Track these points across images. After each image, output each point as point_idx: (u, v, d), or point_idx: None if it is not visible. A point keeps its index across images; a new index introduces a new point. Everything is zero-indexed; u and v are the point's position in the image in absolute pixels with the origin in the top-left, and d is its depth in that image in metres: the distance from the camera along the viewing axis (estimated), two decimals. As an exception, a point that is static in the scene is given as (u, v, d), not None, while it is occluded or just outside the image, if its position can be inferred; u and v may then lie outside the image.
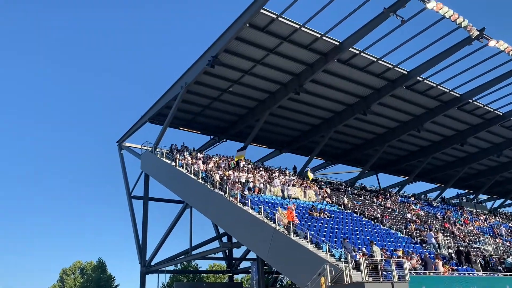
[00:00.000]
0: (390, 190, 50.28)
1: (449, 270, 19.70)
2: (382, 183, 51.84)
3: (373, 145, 44.52)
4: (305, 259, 18.99)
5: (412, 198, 47.50)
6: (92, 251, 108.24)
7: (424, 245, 26.47)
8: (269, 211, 23.55)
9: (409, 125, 40.78)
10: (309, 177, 36.17)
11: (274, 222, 22.16)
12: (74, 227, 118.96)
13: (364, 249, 20.05)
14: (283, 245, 20.52)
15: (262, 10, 25.91)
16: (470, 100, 37.67)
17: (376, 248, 18.74)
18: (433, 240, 24.39)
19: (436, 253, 23.94)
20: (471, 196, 58.09)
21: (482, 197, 62.24)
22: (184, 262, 47.24)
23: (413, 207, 41.05)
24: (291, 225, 20.97)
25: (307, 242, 20.37)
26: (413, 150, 47.70)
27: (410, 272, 17.49)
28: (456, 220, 38.59)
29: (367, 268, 15.52)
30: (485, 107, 39.31)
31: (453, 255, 23.08)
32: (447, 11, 26.57)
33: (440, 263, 19.08)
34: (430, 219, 37.83)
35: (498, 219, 49.14)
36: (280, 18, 26.95)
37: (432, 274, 18.10)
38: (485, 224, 42.98)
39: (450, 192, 58.53)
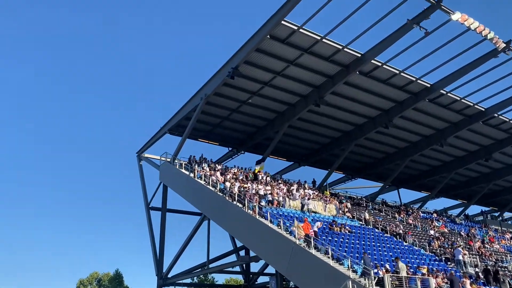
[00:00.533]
0: (411, 206, 49.12)
1: (477, 290, 18.82)
2: (403, 199, 50.74)
3: (394, 159, 43.60)
4: (326, 275, 18.39)
5: (435, 215, 46.21)
6: (109, 262, 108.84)
7: (449, 263, 25.51)
8: (288, 224, 23.04)
9: (432, 140, 39.83)
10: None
11: (294, 236, 21.60)
12: (91, 238, 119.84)
13: (387, 266, 19.33)
14: (304, 260, 19.94)
15: (283, 22, 25.76)
16: (496, 115, 36.64)
17: (401, 265, 18.03)
18: (460, 257, 23.39)
19: (462, 271, 23.01)
20: (496, 214, 56.29)
21: (507, 214, 60.30)
22: (201, 275, 46.71)
23: (436, 224, 39.88)
24: (310, 238, 20.43)
25: (328, 257, 19.76)
26: (435, 165, 46.53)
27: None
28: (483, 238, 37.25)
29: (391, 285, 14.84)
30: (511, 121, 38.18)
31: (480, 274, 22.08)
32: (472, 23, 25.94)
33: (468, 282, 18.23)
34: (454, 236, 36.67)
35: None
36: (301, 30, 26.75)
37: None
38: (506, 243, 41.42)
39: (473, 209, 56.82)
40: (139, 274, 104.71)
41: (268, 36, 26.50)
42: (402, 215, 39.08)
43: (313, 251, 19.87)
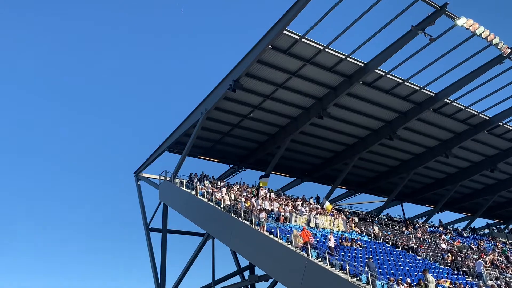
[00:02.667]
0: (416, 220, 48.02)
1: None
2: (407, 213, 49.66)
3: (398, 172, 42.68)
4: (345, 292, 17.18)
5: (441, 228, 45.10)
6: (108, 285, 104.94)
7: (466, 276, 24.39)
8: (289, 235, 21.87)
9: (436, 151, 39.05)
10: (328, 209, 34.05)
11: (306, 253, 20.42)
12: (87, 262, 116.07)
13: (408, 280, 18.15)
14: (318, 277, 18.74)
15: (285, 31, 25.14)
16: (500, 123, 36.04)
17: (430, 277, 16.93)
18: (482, 270, 22.30)
19: (481, 284, 21.89)
20: (502, 226, 55.25)
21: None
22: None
23: (444, 237, 38.74)
24: (308, 245, 19.41)
25: (345, 273, 18.63)
26: (440, 177, 45.65)
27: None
28: (501, 251, 36.22)
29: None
30: (516, 130, 37.59)
31: (503, 287, 20.95)
32: (477, 28, 25.42)
33: (496, 295, 17.12)
34: (465, 250, 35.50)
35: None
36: (303, 40, 26.11)
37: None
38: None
39: (477, 222, 55.73)
40: None
41: (270, 47, 25.80)
42: (409, 229, 37.96)
43: (328, 267, 18.69)
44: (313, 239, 21.01)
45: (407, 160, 41.32)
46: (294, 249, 20.69)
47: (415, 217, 50.39)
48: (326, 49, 27.04)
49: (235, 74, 27.77)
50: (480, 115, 34.94)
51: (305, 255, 20.12)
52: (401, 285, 17.01)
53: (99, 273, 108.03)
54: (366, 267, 18.61)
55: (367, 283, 17.92)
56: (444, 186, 45.95)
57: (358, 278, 18.34)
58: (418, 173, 43.25)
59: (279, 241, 21.74)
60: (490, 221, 56.43)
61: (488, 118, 35.49)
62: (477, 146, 39.55)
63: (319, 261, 19.85)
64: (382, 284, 17.57)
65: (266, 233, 22.88)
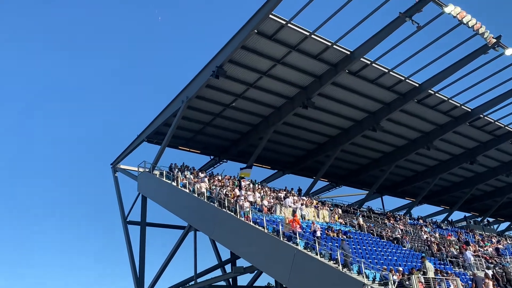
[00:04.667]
0: (395, 213, 48.08)
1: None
2: (386, 206, 49.79)
3: (379, 165, 42.57)
4: (337, 282, 16.55)
5: (421, 221, 45.24)
6: (81, 283, 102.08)
7: (452, 266, 24.18)
8: (283, 231, 21.13)
9: (418, 143, 39.05)
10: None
11: (294, 243, 19.71)
12: (61, 257, 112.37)
13: (400, 269, 17.65)
14: (308, 268, 18.06)
15: (271, 15, 24.32)
16: (481, 115, 36.21)
17: (429, 265, 16.43)
18: (472, 260, 22.07)
19: (470, 274, 21.69)
20: (478, 219, 56.06)
21: (487, 220, 60.25)
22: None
23: (425, 229, 38.77)
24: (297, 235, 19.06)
25: (334, 263, 18.01)
26: (420, 170, 45.82)
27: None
28: (485, 241, 36.48)
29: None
30: (496, 122, 37.84)
31: (497, 276, 20.63)
32: (465, 16, 25.21)
33: (491, 283, 16.79)
34: (444, 241, 35.58)
35: (509, 242, 47.03)
36: (289, 25, 25.39)
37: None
38: (501, 246, 40.77)
39: (454, 215, 56.42)
40: None
41: (255, 31, 24.95)
42: (391, 222, 37.84)
43: (318, 257, 18.03)
44: (299, 229, 20.37)
45: (389, 152, 41.24)
46: (282, 239, 19.95)
47: (394, 210, 50.51)
48: (312, 36, 26.37)
49: (218, 60, 26.79)
50: (462, 107, 35.02)
51: (294, 245, 19.39)
52: (394, 275, 16.46)
53: (75, 268, 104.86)
54: (341, 249, 18.33)
55: (358, 272, 17.37)
56: (424, 179, 46.17)
57: (348, 268, 17.72)
58: (398, 166, 43.23)
59: (266, 231, 20.96)
60: (467, 214, 57.19)
61: (469, 110, 35.62)
62: (458, 139, 39.74)
63: (308, 251, 19.18)
64: (374, 274, 17.03)
65: (251, 223, 22.07)
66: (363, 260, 17.60)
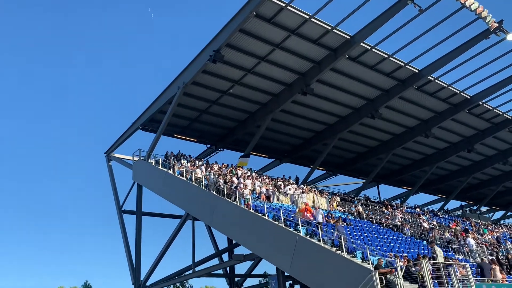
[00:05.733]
0: (391, 202, 47.89)
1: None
2: (382, 195, 49.53)
3: (376, 153, 42.18)
4: (342, 269, 16.11)
5: (418, 209, 45.10)
6: (78, 274, 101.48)
7: (455, 253, 23.93)
8: (284, 217, 20.66)
9: (416, 131, 38.65)
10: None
11: (295, 230, 19.25)
12: (57, 247, 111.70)
13: (406, 255, 17.26)
14: (311, 254, 17.60)
15: (270, -3, 23.63)
16: (480, 103, 35.84)
17: (438, 250, 15.99)
18: (474, 246, 21.80)
19: (472, 260, 21.42)
20: (474, 208, 56.12)
21: (482, 208, 60.40)
22: (177, 284, 43.36)
23: (423, 218, 38.59)
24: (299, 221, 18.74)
25: (337, 249, 17.57)
26: (417, 158, 45.53)
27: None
28: (482, 228, 36.35)
29: (430, 274, 12.70)
30: (494, 110, 37.50)
31: (501, 261, 20.40)
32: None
33: (497, 268, 16.46)
34: (442, 229, 35.42)
35: (505, 230, 47.11)
36: (288, 7, 24.66)
37: (491, 281, 15.42)
38: (496, 234, 40.76)
39: (449, 204, 56.39)
40: (113, 285, 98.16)
41: (254, 14, 24.21)
42: (389, 210, 37.55)
43: (322, 243, 17.58)
44: (312, 217, 20.08)
45: (386, 140, 40.85)
46: (283, 226, 19.46)
47: (390, 199, 50.32)
48: (312, 19, 25.70)
49: (215, 44, 26.08)
50: (462, 93, 34.60)
51: (296, 232, 18.91)
52: (399, 260, 16.05)
53: (71, 259, 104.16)
54: (336, 232, 18.19)
55: (362, 259, 16.95)
56: (421, 167, 45.91)
57: (353, 254, 17.30)
58: (396, 154, 42.95)
59: (267, 218, 20.47)
60: (463, 203, 57.19)
61: (469, 97, 35.23)
62: (456, 126, 39.39)
63: (309, 237, 18.72)
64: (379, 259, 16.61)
65: (251, 210, 21.56)
66: (368, 246, 17.14)
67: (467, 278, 14.08)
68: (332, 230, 20.90)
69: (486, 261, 17.56)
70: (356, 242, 19.16)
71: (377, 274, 13.65)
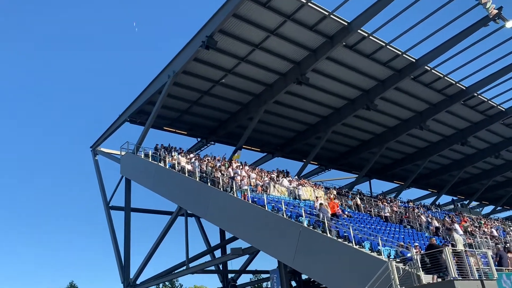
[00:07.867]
0: (385, 196, 47.27)
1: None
2: (374, 190, 48.81)
3: (369, 146, 41.43)
4: (351, 261, 15.10)
5: (411, 204, 44.54)
6: (63, 274, 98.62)
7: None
8: (284, 209, 19.59)
9: (410, 123, 37.98)
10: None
11: (298, 221, 18.19)
12: (41, 246, 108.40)
13: (417, 244, 16.34)
14: (316, 246, 16.55)
15: (266, -21, 22.55)
16: (475, 94, 35.31)
17: (457, 237, 15.13)
18: (478, 238, 21.06)
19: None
20: (465, 202, 55.92)
21: (472, 203, 60.36)
22: (166, 282, 41.97)
23: (417, 211, 37.97)
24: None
25: (343, 240, 16.57)
26: (410, 152, 44.96)
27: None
28: (478, 222, 35.90)
29: (454, 262, 11.76)
30: (489, 101, 37.03)
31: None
32: (468, -17, 24.06)
33: (512, 257, 15.64)
34: (439, 222, 34.82)
35: (497, 224, 46.93)
36: (285, -10, 23.63)
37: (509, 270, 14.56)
38: (491, 228, 40.44)
39: (441, 199, 56.16)
40: (102, 284, 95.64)
41: (249, -4, 23.08)
42: (384, 204, 36.79)
43: (328, 234, 16.55)
44: (341, 211, 19.13)
45: (380, 133, 40.12)
46: (285, 217, 18.37)
47: (382, 194, 49.66)
48: (309, 3, 24.67)
49: (208, 30, 24.88)
50: (457, 84, 34.01)
51: (298, 223, 17.86)
52: (411, 250, 15.13)
53: (55, 259, 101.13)
54: (321, 214, 17.87)
55: (371, 250, 15.98)
56: (413, 161, 45.35)
57: (361, 245, 16.31)
58: (388, 148, 42.30)
59: (267, 210, 19.35)
60: (454, 198, 56.98)
61: (464, 88, 34.66)
62: (450, 119, 38.82)
63: (312, 228, 17.69)
64: (389, 251, 15.69)
65: (250, 202, 20.43)
66: (379, 236, 16.17)
67: (487, 267, 13.27)
68: (334, 222, 19.98)
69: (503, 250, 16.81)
70: (367, 233, 18.23)
71: (393, 264, 12.64)
